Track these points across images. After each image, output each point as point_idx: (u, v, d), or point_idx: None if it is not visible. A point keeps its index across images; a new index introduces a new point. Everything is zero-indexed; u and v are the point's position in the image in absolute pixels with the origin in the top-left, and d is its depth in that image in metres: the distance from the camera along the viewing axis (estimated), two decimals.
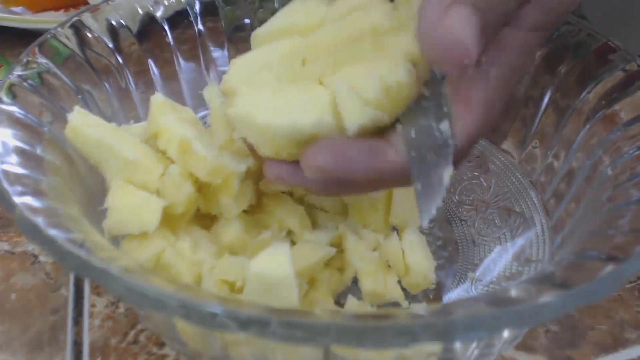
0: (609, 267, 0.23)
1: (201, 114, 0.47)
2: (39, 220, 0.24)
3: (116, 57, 0.42)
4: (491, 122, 0.28)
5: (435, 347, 0.25)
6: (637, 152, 0.32)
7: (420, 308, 0.23)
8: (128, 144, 0.33)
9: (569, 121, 0.38)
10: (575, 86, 0.38)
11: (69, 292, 0.39)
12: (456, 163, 0.27)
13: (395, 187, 0.32)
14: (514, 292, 0.23)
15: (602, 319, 0.38)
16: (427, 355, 0.25)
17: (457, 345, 0.25)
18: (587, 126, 0.37)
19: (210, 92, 0.37)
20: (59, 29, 0.38)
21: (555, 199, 0.38)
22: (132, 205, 0.32)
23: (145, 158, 0.33)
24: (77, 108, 0.33)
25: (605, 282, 0.22)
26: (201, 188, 0.35)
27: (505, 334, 0.26)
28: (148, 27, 0.45)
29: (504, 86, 0.28)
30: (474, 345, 0.26)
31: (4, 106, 0.31)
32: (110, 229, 0.32)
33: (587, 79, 0.38)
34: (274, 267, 0.26)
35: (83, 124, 0.32)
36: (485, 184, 0.45)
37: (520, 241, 0.39)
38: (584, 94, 0.38)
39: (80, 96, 0.38)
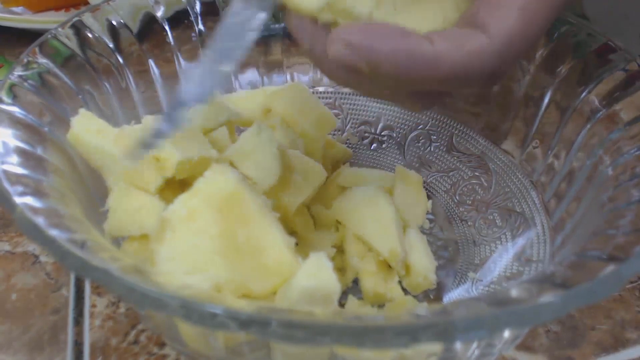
0: (610, 267, 0.23)
1: None
2: (40, 221, 0.24)
3: (117, 57, 0.42)
4: (533, 32, 0.26)
5: (436, 348, 0.25)
6: (637, 152, 0.32)
7: (421, 308, 0.23)
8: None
9: (569, 121, 0.38)
10: (576, 86, 0.38)
11: (70, 292, 0.39)
12: (496, 74, 0.26)
13: (418, 85, 0.27)
14: (514, 292, 0.23)
15: (603, 319, 0.38)
16: (427, 355, 0.25)
17: (458, 345, 0.25)
18: (588, 126, 0.37)
19: None
20: (60, 29, 0.38)
21: (555, 199, 0.38)
22: (132, 207, 0.32)
23: (146, 166, 0.34)
24: (82, 111, 0.34)
25: (606, 282, 0.22)
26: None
27: (506, 334, 0.26)
28: (148, 27, 0.45)
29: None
30: (474, 345, 0.26)
31: (4, 106, 0.31)
32: (111, 230, 0.32)
33: (588, 78, 0.38)
34: (322, 281, 0.27)
35: (84, 130, 0.33)
36: (485, 184, 0.45)
37: (520, 241, 0.39)
38: (584, 93, 0.38)
39: (80, 96, 0.38)
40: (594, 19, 0.53)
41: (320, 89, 0.54)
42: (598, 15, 0.51)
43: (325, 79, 0.54)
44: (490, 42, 0.25)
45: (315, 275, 0.27)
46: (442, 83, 0.25)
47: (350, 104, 0.53)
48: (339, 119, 0.51)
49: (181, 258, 0.29)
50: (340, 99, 0.54)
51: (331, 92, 0.54)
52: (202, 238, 0.29)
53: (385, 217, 0.38)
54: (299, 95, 0.44)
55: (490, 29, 0.25)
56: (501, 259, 0.39)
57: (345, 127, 0.52)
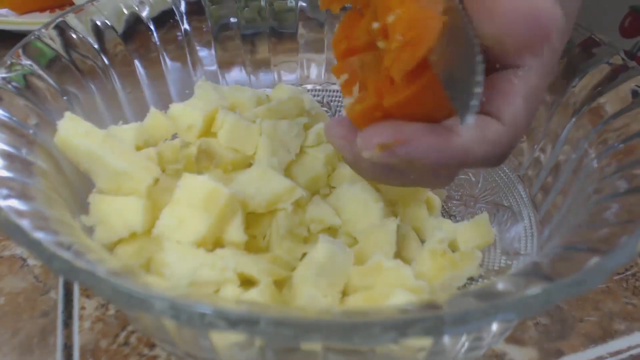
0: (595, 259, 0.23)
1: None
2: (25, 223, 0.24)
3: (102, 58, 0.42)
4: (534, 113, 0.28)
5: (425, 342, 0.25)
6: (622, 145, 0.32)
7: (409, 303, 0.23)
8: (117, 154, 0.34)
9: (555, 115, 0.39)
10: (561, 80, 0.38)
11: (59, 295, 0.39)
12: (507, 155, 0.28)
13: (454, 171, 0.32)
14: (501, 286, 0.23)
15: (591, 311, 0.39)
16: (417, 349, 0.25)
17: (447, 339, 0.26)
18: (573, 119, 0.37)
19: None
20: (43, 30, 0.38)
21: (542, 193, 0.39)
22: (115, 210, 0.33)
23: (134, 168, 0.34)
24: (67, 114, 0.34)
25: (591, 274, 0.22)
26: None
27: (495, 327, 0.26)
28: (133, 28, 0.45)
29: (539, 88, 0.28)
30: (463, 339, 0.26)
31: None
32: (101, 239, 0.33)
33: (573, 72, 0.38)
34: (336, 253, 0.33)
35: (72, 135, 0.33)
36: (473, 179, 0.45)
37: (508, 235, 0.39)
38: (569, 87, 0.38)
39: (65, 98, 0.37)
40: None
41: (308, 86, 0.54)
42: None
43: (313, 77, 0.54)
44: (506, 129, 0.27)
45: (329, 249, 0.32)
46: (467, 167, 0.29)
47: (339, 102, 0.53)
48: (328, 115, 0.51)
49: (185, 258, 0.31)
50: (329, 96, 0.54)
51: (319, 90, 0.54)
52: (196, 237, 0.33)
53: (373, 214, 0.38)
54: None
55: (503, 117, 0.27)
56: (489, 253, 0.39)
57: None
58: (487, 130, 0.27)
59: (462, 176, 0.45)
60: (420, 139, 0.27)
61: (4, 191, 0.26)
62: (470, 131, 0.27)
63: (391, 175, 0.31)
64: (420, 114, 0.27)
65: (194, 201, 0.33)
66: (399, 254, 0.38)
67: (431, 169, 0.29)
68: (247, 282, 0.33)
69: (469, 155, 0.27)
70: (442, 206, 0.44)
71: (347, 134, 0.30)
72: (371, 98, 0.28)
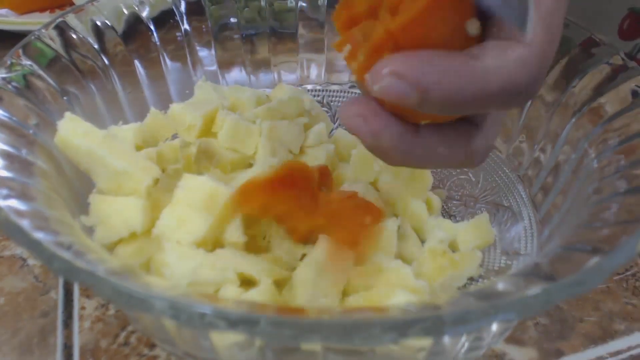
0: (595, 259, 0.23)
1: None
2: (25, 223, 0.24)
3: (102, 58, 0.42)
4: (557, 36, 0.26)
5: (425, 342, 0.25)
6: (622, 145, 0.32)
7: (409, 303, 0.23)
8: (117, 154, 0.34)
9: (555, 115, 0.39)
10: (561, 80, 0.38)
11: (58, 295, 0.39)
12: (538, 81, 0.25)
13: (469, 107, 0.26)
14: (501, 286, 0.23)
15: (591, 311, 0.39)
16: (417, 350, 0.25)
17: (447, 339, 0.26)
18: (573, 120, 0.37)
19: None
20: (43, 30, 0.38)
21: (542, 193, 0.39)
22: (115, 210, 0.33)
23: (135, 168, 0.34)
24: (67, 114, 0.34)
25: (591, 274, 0.22)
26: None
27: (494, 327, 0.26)
28: (133, 28, 0.45)
29: None
30: (463, 339, 0.26)
31: None
32: (101, 239, 0.33)
33: (573, 72, 0.38)
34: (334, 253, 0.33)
35: (72, 135, 0.33)
36: (473, 179, 0.45)
37: (508, 235, 0.39)
38: (569, 87, 0.38)
39: (65, 98, 0.37)
40: (570, 15, 0.53)
41: (309, 86, 0.54)
42: (575, 11, 0.52)
43: (313, 77, 0.54)
44: (530, 49, 0.24)
45: (329, 248, 0.33)
46: (493, 99, 0.25)
47: (339, 102, 0.53)
48: (327, 115, 0.51)
49: (185, 258, 0.31)
50: (329, 96, 0.54)
51: (319, 90, 0.54)
52: (196, 237, 0.33)
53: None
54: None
55: (524, 38, 0.24)
56: (489, 253, 0.39)
57: (335, 123, 0.52)
58: (509, 51, 0.24)
59: (462, 176, 0.46)
60: (431, 58, 0.24)
61: (4, 191, 0.26)
62: (489, 53, 0.24)
63: (416, 153, 0.27)
64: (433, 43, 0.25)
65: (194, 201, 0.33)
66: (399, 254, 0.38)
67: (453, 107, 0.25)
68: (247, 283, 0.33)
69: (490, 79, 0.24)
70: (442, 206, 0.44)
71: (363, 111, 0.27)
72: (377, 32, 0.25)
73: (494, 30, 0.26)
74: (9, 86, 0.33)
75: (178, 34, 0.48)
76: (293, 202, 0.33)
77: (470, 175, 0.45)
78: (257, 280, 0.32)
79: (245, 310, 0.21)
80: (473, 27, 0.25)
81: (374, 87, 0.25)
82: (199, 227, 0.33)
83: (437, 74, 0.24)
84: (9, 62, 0.35)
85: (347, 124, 0.28)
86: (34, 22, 0.67)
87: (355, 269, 0.34)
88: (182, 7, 0.48)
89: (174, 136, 0.44)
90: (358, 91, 0.53)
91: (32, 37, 0.37)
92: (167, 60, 0.47)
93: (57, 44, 0.39)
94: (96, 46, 0.42)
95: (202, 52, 0.50)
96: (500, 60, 0.24)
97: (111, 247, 0.34)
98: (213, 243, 0.34)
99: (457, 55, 0.24)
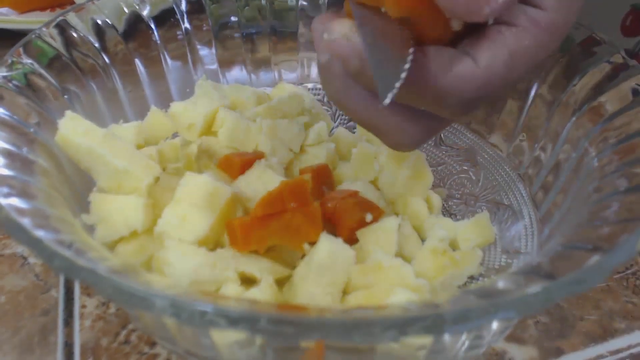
0: (595, 258, 0.23)
1: None
2: (26, 222, 0.24)
3: (102, 57, 0.42)
4: (515, 77, 0.27)
5: (425, 340, 0.25)
6: (622, 144, 0.32)
7: (409, 302, 0.24)
8: (118, 152, 0.34)
9: (555, 114, 0.39)
10: (562, 79, 0.39)
11: (59, 294, 0.39)
12: (473, 102, 0.27)
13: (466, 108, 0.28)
14: (502, 284, 0.23)
15: (591, 310, 0.39)
16: (417, 348, 0.25)
17: (447, 337, 0.26)
18: (574, 118, 0.37)
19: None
20: (44, 29, 0.38)
21: (543, 191, 0.39)
22: (116, 209, 0.33)
23: (135, 166, 0.34)
24: (68, 113, 0.34)
25: (592, 272, 0.22)
26: None
27: (495, 325, 0.26)
28: (134, 26, 0.45)
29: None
30: (463, 337, 0.26)
31: None
32: (102, 237, 0.33)
33: (573, 71, 0.38)
34: (337, 251, 0.33)
35: (73, 133, 0.33)
36: (474, 178, 0.45)
37: (509, 233, 0.39)
38: (570, 86, 0.38)
39: (66, 97, 0.37)
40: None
41: (309, 85, 0.54)
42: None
43: (313, 76, 0.54)
44: (477, 69, 0.26)
45: (330, 247, 0.33)
46: (424, 98, 0.27)
47: None
48: (328, 114, 0.51)
49: (186, 256, 0.31)
50: None
51: (320, 89, 0.54)
52: (198, 236, 0.33)
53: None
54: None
55: (479, 58, 0.26)
56: (489, 252, 0.39)
57: (335, 122, 0.52)
58: (458, 63, 0.26)
59: (463, 175, 0.46)
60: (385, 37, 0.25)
61: (5, 189, 0.26)
62: (439, 56, 0.26)
63: (356, 99, 0.28)
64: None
65: (195, 200, 0.33)
66: (399, 253, 0.38)
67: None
68: (248, 281, 0.33)
69: (428, 79, 0.25)
70: (443, 205, 0.44)
71: (330, 18, 0.28)
72: None
73: (464, 41, 0.27)
74: (10, 85, 0.33)
75: (179, 32, 0.48)
76: (288, 227, 0.33)
77: (471, 173, 0.45)
78: (257, 279, 0.33)
79: (245, 308, 0.21)
80: (456, 23, 0.26)
81: (324, 36, 0.26)
82: (201, 225, 0.33)
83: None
84: (9, 61, 0.35)
85: (313, 32, 0.28)
86: (35, 20, 0.67)
87: (355, 267, 0.34)
88: (183, 6, 0.48)
89: (175, 135, 0.44)
90: None
91: (33, 36, 0.37)
92: (168, 59, 0.47)
93: (57, 43, 0.39)
94: (97, 45, 0.42)
95: (203, 51, 0.50)
96: (444, 67, 0.26)
97: (112, 246, 0.34)
98: (214, 242, 0.35)
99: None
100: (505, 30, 0.26)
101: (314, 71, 0.54)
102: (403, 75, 0.23)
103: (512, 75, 0.27)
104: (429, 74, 0.26)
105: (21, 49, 0.36)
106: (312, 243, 0.34)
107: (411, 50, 0.25)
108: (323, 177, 0.41)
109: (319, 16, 0.29)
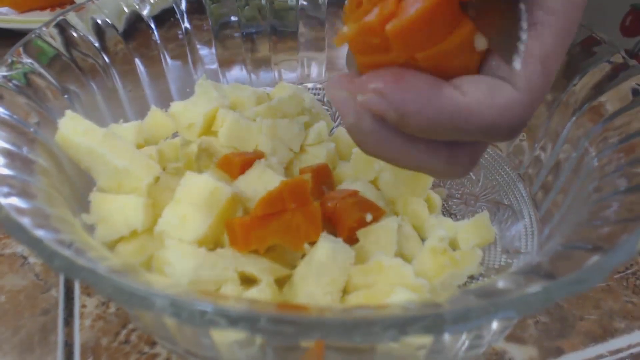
0: (595, 258, 0.23)
1: None
2: (26, 221, 0.24)
3: (102, 57, 0.42)
4: (551, 80, 0.25)
5: (425, 340, 0.25)
6: (622, 143, 0.32)
7: (409, 301, 0.23)
8: (118, 152, 0.34)
9: (555, 113, 0.39)
10: (562, 78, 0.38)
11: (59, 293, 0.39)
12: (522, 125, 0.25)
13: (447, 136, 0.26)
14: (502, 284, 0.23)
15: (591, 310, 0.39)
16: (417, 347, 0.25)
17: (447, 337, 0.26)
18: (574, 118, 0.37)
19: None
20: (44, 29, 0.38)
21: (543, 191, 0.39)
22: (116, 208, 0.34)
23: (135, 166, 0.34)
24: (68, 113, 0.34)
25: (592, 272, 0.22)
26: None
27: (495, 325, 0.26)
28: (134, 26, 0.45)
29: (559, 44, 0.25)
30: (463, 337, 0.26)
31: None
32: (102, 237, 0.33)
33: (573, 71, 0.38)
34: (336, 252, 0.33)
35: (73, 133, 0.33)
36: (474, 178, 0.45)
37: (509, 233, 0.39)
38: (570, 86, 0.38)
39: (66, 96, 0.37)
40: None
41: (309, 85, 0.54)
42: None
43: (313, 75, 0.54)
44: (520, 95, 0.24)
45: (330, 247, 0.33)
46: (470, 135, 0.25)
47: None
48: (328, 114, 0.51)
49: (186, 256, 0.31)
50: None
51: (320, 88, 0.54)
52: (198, 235, 0.33)
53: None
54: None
55: (516, 81, 0.24)
56: (489, 252, 0.39)
57: (335, 122, 0.52)
58: (498, 93, 0.24)
59: None
60: (417, 86, 0.24)
61: (5, 189, 0.26)
62: (477, 91, 0.24)
63: (395, 148, 0.27)
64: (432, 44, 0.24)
65: (196, 200, 0.33)
66: (399, 253, 0.38)
67: (431, 133, 0.25)
68: (247, 281, 0.33)
69: (472, 119, 0.24)
70: (443, 205, 0.44)
71: (350, 85, 0.26)
72: (371, 18, 0.24)
73: (493, 63, 0.25)
74: (10, 84, 0.33)
75: (179, 32, 0.48)
76: (288, 227, 0.33)
77: (471, 174, 0.45)
78: (257, 279, 0.33)
79: (245, 308, 0.21)
80: (480, 42, 0.24)
81: (358, 97, 0.25)
82: (201, 225, 0.33)
83: (419, 104, 0.24)
84: (9, 61, 0.35)
85: (332, 98, 0.27)
86: (35, 20, 0.67)
87: (355, 267, 0.34)
88: (183, 6, 0.48)
89: (175, 134, 0.44)
90: None
91: (33, 36, 0.37)
92: (168, 59, 0.47)
93: (57, 42, 0.39)
94: (97, 44, 0.42)
95: (203, 51, 0.50)
96: (486, 102, 0.24)
97: (112, 245, 0.34)
98: (214, 241, 0.35)
99: (443, 85, 0.24)
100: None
101: (314, 71, 0.54)
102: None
103: (551, 78, 0.25)
104: (471, 115, 0.24)
105: (21, 49, 0.36)
106: (312, 243, 0.34)
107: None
108: (323, 177, 0.41)
109: (331, 82, 0.28)
